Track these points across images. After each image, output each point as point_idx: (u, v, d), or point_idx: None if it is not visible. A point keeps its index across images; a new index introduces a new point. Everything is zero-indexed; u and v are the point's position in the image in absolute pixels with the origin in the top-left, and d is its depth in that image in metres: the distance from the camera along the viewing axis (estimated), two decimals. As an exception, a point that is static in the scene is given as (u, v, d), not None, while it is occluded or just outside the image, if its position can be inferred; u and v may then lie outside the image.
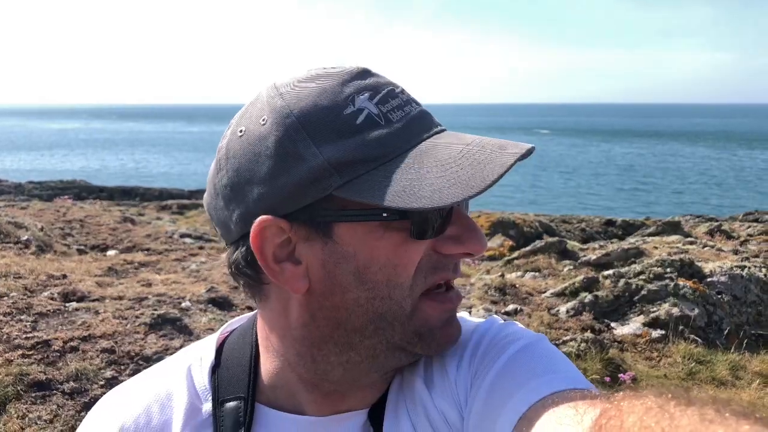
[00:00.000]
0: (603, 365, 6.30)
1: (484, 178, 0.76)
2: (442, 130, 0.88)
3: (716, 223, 20.79)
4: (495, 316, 1.03)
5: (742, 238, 18.42)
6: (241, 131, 0.86)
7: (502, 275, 8.77)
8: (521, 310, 7.39)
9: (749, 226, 22.27)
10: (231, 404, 0.93)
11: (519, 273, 9.59)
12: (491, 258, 12.24)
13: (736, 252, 10.80)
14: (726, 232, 19.32)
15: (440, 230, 0.84)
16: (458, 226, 0.87)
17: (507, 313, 7.31)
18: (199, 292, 7.07)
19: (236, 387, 0.95)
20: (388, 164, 0.80)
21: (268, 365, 0.96)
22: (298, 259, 0.84)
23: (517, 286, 8.38)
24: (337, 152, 0.79)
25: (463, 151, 0.81)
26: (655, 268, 7.78)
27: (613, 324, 7.34)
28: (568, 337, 6.40)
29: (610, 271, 8.13)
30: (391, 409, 0.92)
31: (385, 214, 0.80)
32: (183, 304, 6.56)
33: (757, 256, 10.19)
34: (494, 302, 7.80)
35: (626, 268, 8.10)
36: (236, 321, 1.10)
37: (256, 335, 1.00)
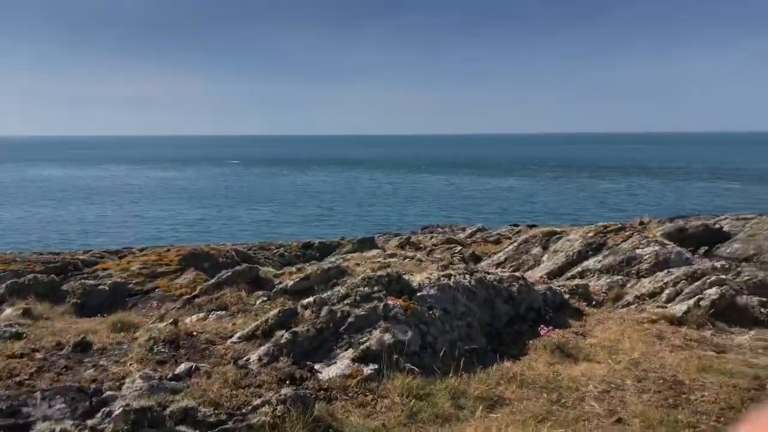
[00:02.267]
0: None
1: None
2: None
3: (405, 237, 21.71)
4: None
5: (428, 248, 19.25)
6: None
7: (175, 322, 6.57)
8: (198, 368, 5.31)
9: (432, 237, 23.84)
10: None
11: (201, 314, 7.52)
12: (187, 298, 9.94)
13: (431, 258, 10.44)
14: (414, 244, 20.06)
15: None
16: None
17: (177, 377, 5.16)
18: None
19: None
20: None
21: None
22: None
23: (195, 333, 6.29)
24: None
25: None
26: (362, 288, 6.46)
27: (317, 366, 5.74)
28: (259, 401, 4.55)
29: (311, 299, 6.58)
30: None
31: None
32: None
33: (452, 263, 9.84)
34: (162, 362, 5.58)
35: (329, 293, 6.65)
36: None
37: None
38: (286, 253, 18.85)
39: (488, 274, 8.11)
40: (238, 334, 6.25)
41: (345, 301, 6.39)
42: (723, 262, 12.64)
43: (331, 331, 6.06)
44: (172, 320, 6.59)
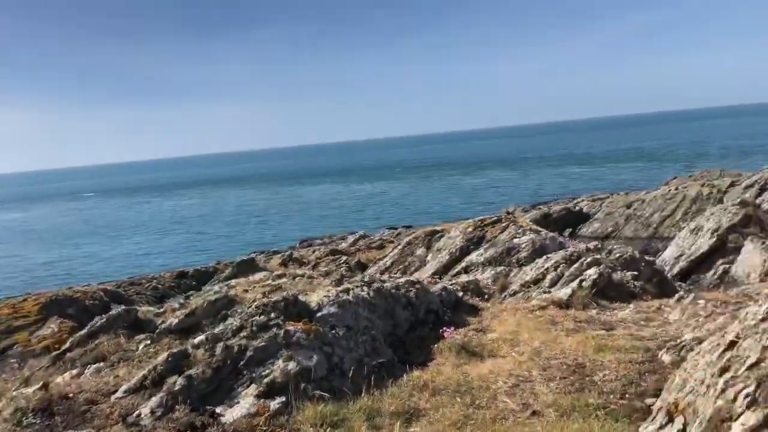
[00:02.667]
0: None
1: None
2: None
3: (287, 253, 21.16)
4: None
5: (313, 262, 18.87)
6: None
7: (45, 384, 5.72)
8: (79, 436, 4.62)
9: (314, 250, 23.45)
10: None
11: (75, 370, 6.66)
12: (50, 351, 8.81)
13: (318, 272, 10.13)
14: (298, 260, 19.57)
15: None
16: None
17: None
18: None
19: None
20: None
21: None
22: None
23: (71, 395, 5.52)
24: None
25: None
26: (257, 317, 6.01)
27: (219, 409, 5.23)
28: (161, 464, 4.02)
29: (202, 336, 6.01)
30: None
31: None
32: None
33: (344, 276, 9.58)
34: (32, 436, 4.81)
35: (221, 327, 6.12)
36: None
37: None
38: (159, 286, 17.70)
39: (385, 282, 7.94)
40: (123, 388, 5.56)
41: (241, 334, 5.91)
42: (596, 243, 13.43)
43: (229, 368, 5.57)
44: (41, 383, 5.74)
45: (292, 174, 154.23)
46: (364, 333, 6.61)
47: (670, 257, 20.43)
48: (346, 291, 6.87)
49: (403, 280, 8.47)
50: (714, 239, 19.10)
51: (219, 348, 5.67)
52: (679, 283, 17.10)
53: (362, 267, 16.95)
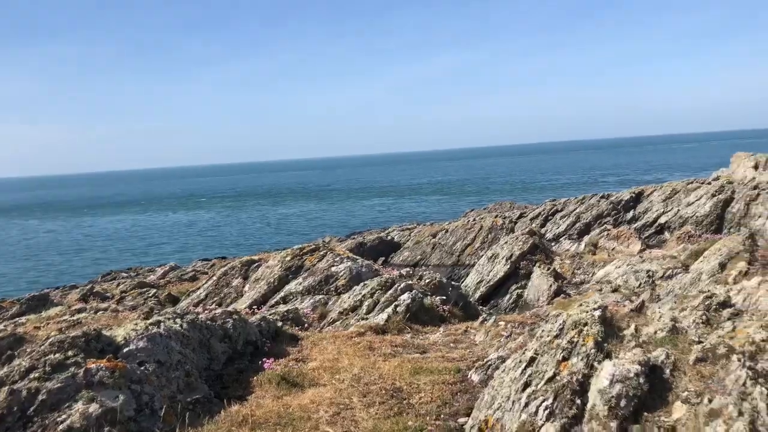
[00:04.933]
0: None
1: None
2: None
3: (88, 287, 19.17)
4: None
5: (118, 296, 17.34)
6: None
7: None
8: None
9: (119, 284, 21.59)
10: None
11: None
12: None
13: (127, 307, 9.32)
14: (100, 294, 17.86)
15: None
16: None
17: None
18: None
19: None
20: None
21: None
22: None
23: None
24: None
25: None
26: (52, 356, 5.32)
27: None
28: None
29: (-20, 382, 5.16)
30: None
31: None
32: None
33: (153, 309, 8.90)
34: None
35: (5, 369, 5.32)
36: None
37: None
38: None
39: (200, 314, 7.52)
40: None
41: (31, 375, 5.19)
42: (408, 269, 14.05)
43: (16, 416, 4.84)
44: None
45: (86, 203, 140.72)
46: (177, 368, 6.17)
47: (472, 283, 22.10)
48: (157, 324, 6.38)
49: (219, 311, 8.10)
50: (508, 266, 21.06)
51: (3, 394, 4.92)
52: (481, 306, 18.53)
53: (174, 300, 15.94)
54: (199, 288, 15.56)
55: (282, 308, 11.28)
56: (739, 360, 4.92)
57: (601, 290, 17.49)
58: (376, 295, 11.54)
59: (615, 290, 17.01)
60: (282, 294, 13.60)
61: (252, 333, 8.12)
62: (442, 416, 5.97)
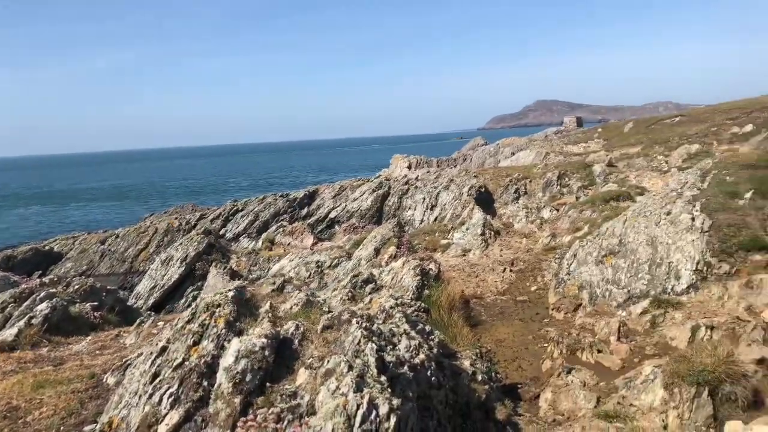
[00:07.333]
0: None
1: None
2: None
3: None
4: None
5: None
6: None
7: None
8: None
9: None
10: None
11: None
12: None
13: None
14: None
15: None
16: None
17: None
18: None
19: None
20: None
21: None
22: None
23: None
24: None
25: None
26: None
27: None
28: None
29: None
30: None
31: None
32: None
33: None
34: None
35: None
36: None
37: None
38: None
39: None
40: None
41: None
42: (52, 276, 12.34)
43: None
44: None
45: None
46: None
47: (145, 289, 20.71)
48: None
49: None
50: (183, 268, 20.27)
51: None
52: (150, 312, 17.36)
53: None
54: None
55: None
56: (357, 323, 5.28)
57: (274, 284, 17.96)
58: (8, 308, 9.84)
59: (287, 282, 17.63)
60: None
61: None
62: (62, 428, 5.21)
